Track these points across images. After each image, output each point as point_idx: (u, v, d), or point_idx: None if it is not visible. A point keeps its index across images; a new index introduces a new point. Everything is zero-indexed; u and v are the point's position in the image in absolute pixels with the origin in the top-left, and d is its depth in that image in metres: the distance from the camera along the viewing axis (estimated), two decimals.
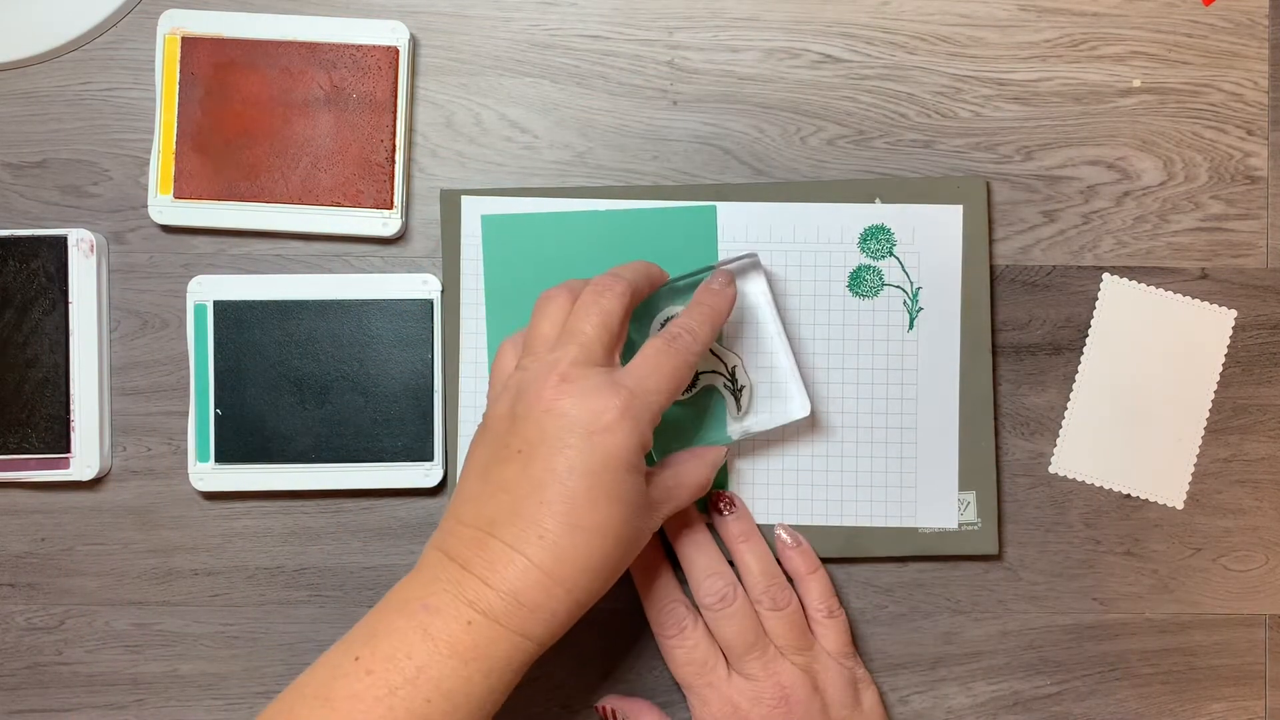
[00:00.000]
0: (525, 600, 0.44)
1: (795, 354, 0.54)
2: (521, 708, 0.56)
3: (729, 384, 0.54)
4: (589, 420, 0.44)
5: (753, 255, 0.54)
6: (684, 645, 0.51)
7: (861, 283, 0.56)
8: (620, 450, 0.45)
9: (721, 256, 0.55)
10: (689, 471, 0.50)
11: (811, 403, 0.54)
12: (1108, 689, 0.57)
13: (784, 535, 0.54)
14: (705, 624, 0.52)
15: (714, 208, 0.56)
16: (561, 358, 0.46)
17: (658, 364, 0.47)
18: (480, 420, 0.49)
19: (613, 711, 0.54)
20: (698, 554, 0.52)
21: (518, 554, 0.44)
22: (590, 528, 0.44)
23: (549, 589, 0.44)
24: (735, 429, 0.55)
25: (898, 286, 0.56)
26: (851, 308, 0.56)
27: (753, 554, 0.53)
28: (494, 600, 0.44)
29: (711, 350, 0.54)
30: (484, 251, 0.55)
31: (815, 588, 0.53)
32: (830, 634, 0.53)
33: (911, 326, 0.56)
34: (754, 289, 0.55)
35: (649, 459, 0.51)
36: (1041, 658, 0.57)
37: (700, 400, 0.55)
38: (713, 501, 0.54)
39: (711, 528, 0.54)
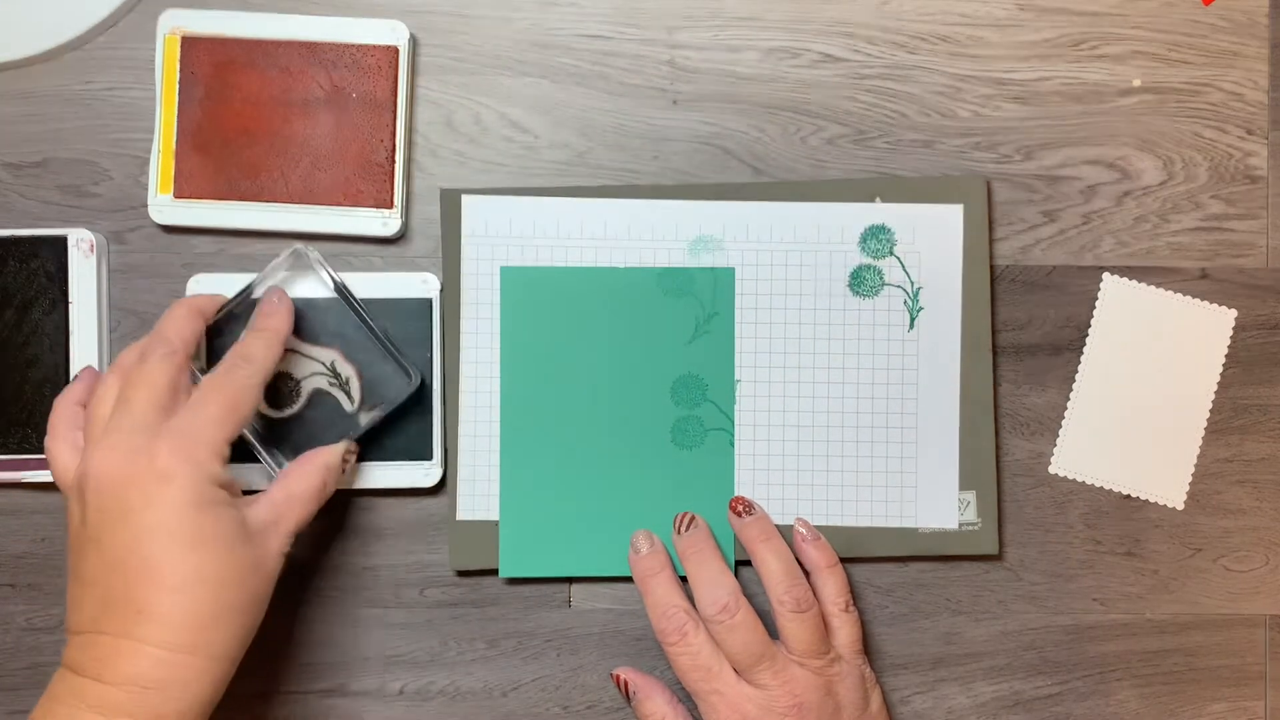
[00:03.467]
0: (149, 683, 0.43)
1: (380, 331, 0.54)
2: (522, 708, 0.56)
3: (333, 380, 0.54)
4: (139, 478, 0.44)
5: (295, 250, 0.54)
6: (686, 651, 0.51)
7: (862, 282, 0.56)
8: (182, 494, 0.44)
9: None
10: (297, 480, 0.50)
11: (416, 373, 0.54)
12: (1108, 689, 0.56)
13: (802, 530, 0.54)
14: (707, 629, 0.52)
15: (732, 271, 0.56)
16: (110, 430, 0.46)
17: (207, 399, 0.47)
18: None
19: (625, 683, 0.54)
20: (700, 567, 0.52)
21: (125, 640, 0.43)
22: (185, 584, 0.43)
23: (171, 662, 0.43)
24: (357, 421, 0.54)
25: (898, 286, 0.56)
26: (852, 307, 0.56)
27: (773, 553, 0.52)
28: (115, 696, 0.42)
29: (303, 354, 0.54)
30: (501, 303, 0.55)
31: (832, 582, 0.53)
32: (844, 629, 0.53)
33: (912, 326, 0.56)
34: (314, 285, 0.54)
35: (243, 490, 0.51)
36: (1041, 658, 0.57)
37: (315, 406, 0.55)
38: (731, 506, 0.54)
39: (722, 537, 0.54)
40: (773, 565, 0.52)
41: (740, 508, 0.54)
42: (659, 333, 0.55)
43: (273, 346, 0.50)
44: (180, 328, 0.50)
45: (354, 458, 0.53)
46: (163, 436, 0.45)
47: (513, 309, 0.55)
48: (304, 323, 0.54)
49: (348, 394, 0.54)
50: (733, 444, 0.55)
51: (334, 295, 0.54)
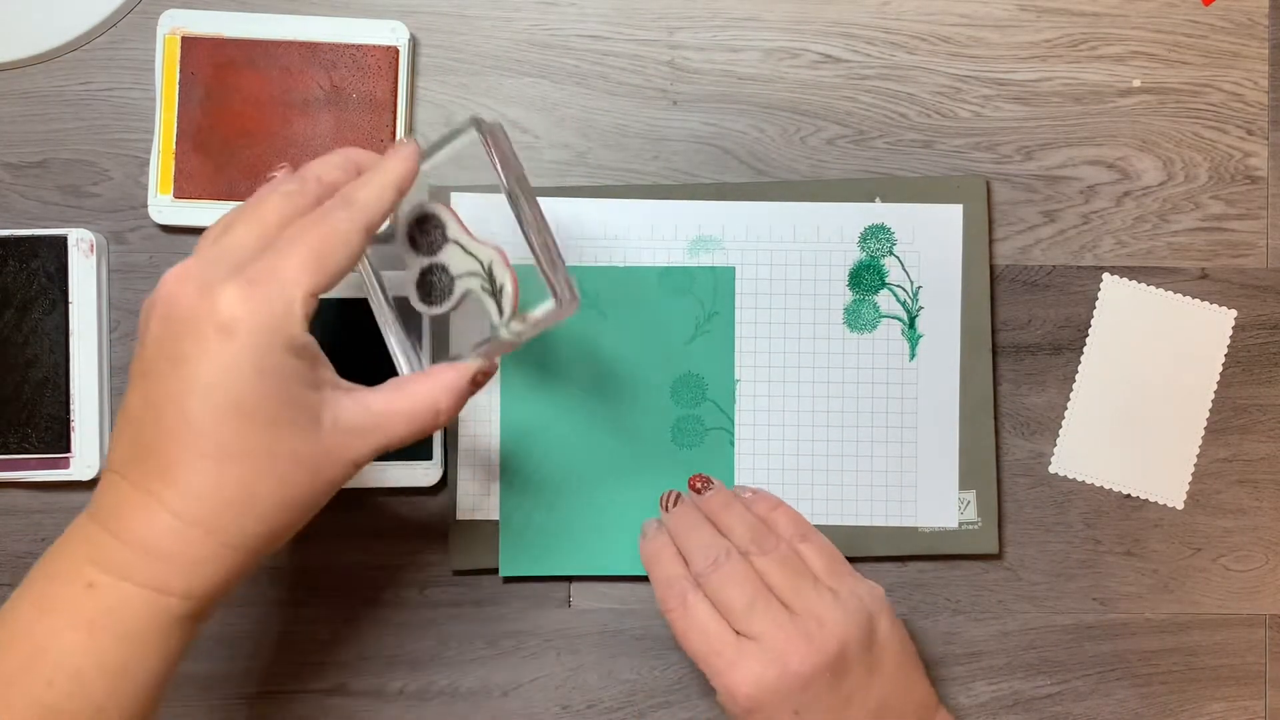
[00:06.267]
0: (154, 550, 0.38)
1: (543, 244, 0.45)
2: (522, 708, 0.56)
3: (486, 285, 0.45)
4: (204, 318, 0.37)
5: (475, 120, 0.45)
6: (686, 615, 0.50)
7: (861, 282, 0.56)
8: (242, 353, 0.37)
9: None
10: (410, 395, 0.42)
11: (574, 295, 0.45)
12: (1108, 689, 0.56)
13: (743, 494, 0.54)
14: (706, 592, 0.50)
15: (732, 270, 0.56)
16: (195, 254, 0.39)
17: (293, 242, 0.39)
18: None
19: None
20: (691, 532, 0.52)
21: (146, 494, 0.38)
22: (219, 455, 0.38)
23: (182, 534, 0.38)
24: (499, 335, 0.46)
25: (898, 286, 0.56)
26: (852, 307, 0.56)
27: (733, 516, 0.52)
28: (119, 553, 0.38)
29: (464, 247, 0.46)
30: None
31: (782, 520, 0.52)
32: (811, 558, 0.51)
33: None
34: (492, 173, 0.46)
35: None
36: (1041, 658, 0.57)
37: (464, 309, 0.47)
38: (690, 485, 0.54)
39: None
40: (735, 525, 0.52)
41: (699, 484, 0.54)
42: (659, 332, 0.55)
43: (384, 193, 0.42)
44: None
45: (487, 381, 0.45)
46: (232, 280, 0.38)
47: None
48: (475, 213, 0.47)
49: (498, 304, 0.45)
50: (733, 443, 0.55)
51: (506, 190, 0.45)
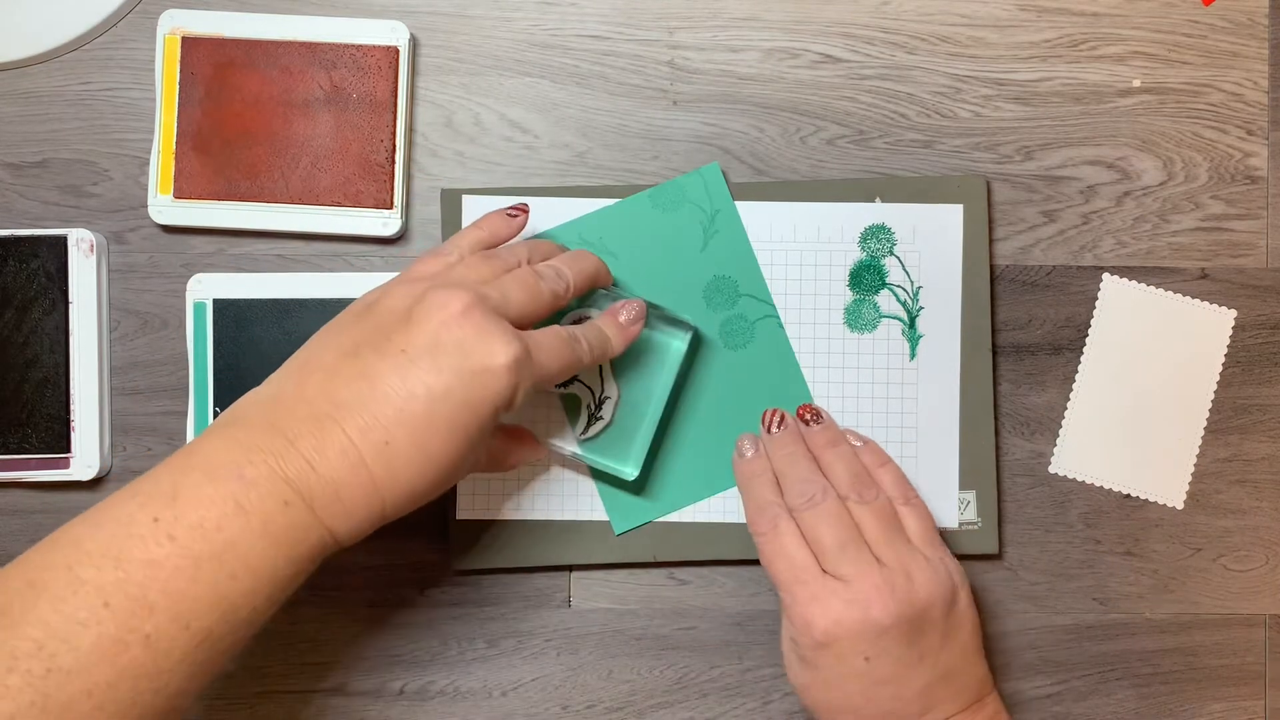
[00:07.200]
0: (344, 496, 0.43)
1: (661, 428, 0.55)
2: (522, 708, 0.56)
3: (590, 406, 0.54)
4: (480, 356, 0.44)
5: (692, 327, 0.54)
6: (776, 540, 0.50)
7: (861, 282, 0.56)
8: (493, 399, 0.44)
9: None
10: (515, 451, 0.52)
11: (635, 472, 0.54)
12: (1108, 689, 0.56)
13: (852, 440, 0.54)
14: (798, 525, 0.51)
15: (716, 166, 0.56)
16: (482, 291, 0.46)
17: (556, 347, 0.47)
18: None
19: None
20: (791, 465, 0.52)
21: (355, 449, 0.43)
22: (431, 455, 0.44)
23: (369, 495, 0.43)
24: (564, 444, 0.54)
25: (898, 286, 0.56)
26: (852, 307, 0.56)
27: (838, 456, 0.52)
28: (315, 486, 0.42)
29: (601, 367, 0.54)
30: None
31: (887, 478, 0.53)
32: (910, 519, 0.52)
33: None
34: (676, 350, 0.54)
35: None
36: (1041, 658, 0.57)
37: (565, 399, 0.55)
38: (799, 415, 0.54)
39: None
40: (837, 466, 0.52)
41: (808, 416, 0.54)
42: (671, 249, 0.55)
43: (614, 350, 0.51)
44: (583, 277, 0.50)
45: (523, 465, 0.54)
46: (517, 342, 0.45)
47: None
48: (629, 355, 0.54)
49: (587, 424, 0.54)
50: (781, 326, 0.55)
51: (671, 374, 0.54)
